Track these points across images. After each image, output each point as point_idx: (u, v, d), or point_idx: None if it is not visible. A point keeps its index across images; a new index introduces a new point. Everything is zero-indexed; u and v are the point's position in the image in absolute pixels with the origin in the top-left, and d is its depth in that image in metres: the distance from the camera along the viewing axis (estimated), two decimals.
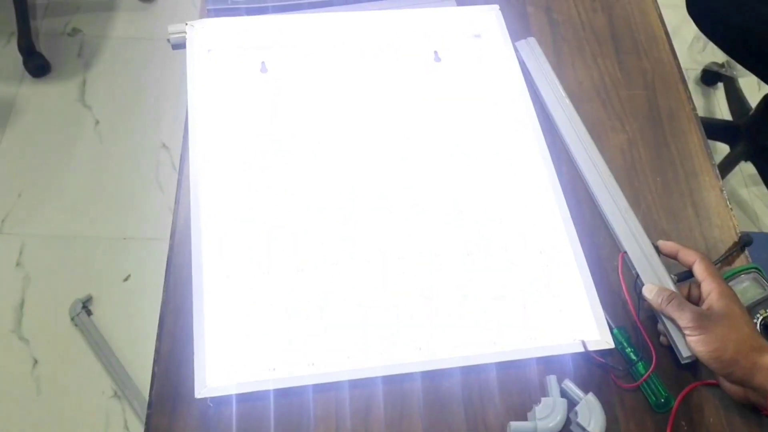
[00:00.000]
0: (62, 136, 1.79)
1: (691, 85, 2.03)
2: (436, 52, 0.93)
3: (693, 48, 2.10)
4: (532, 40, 0.94)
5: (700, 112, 2.02)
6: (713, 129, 1.90)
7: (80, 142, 1.78)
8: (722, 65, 2.02)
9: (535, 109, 0.86)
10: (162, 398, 0.66)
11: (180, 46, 0.88)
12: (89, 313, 1.53)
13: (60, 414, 1.42)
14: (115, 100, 1.86)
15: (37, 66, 1.86)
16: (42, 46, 1.90)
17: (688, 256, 0.71)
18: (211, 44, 0.89)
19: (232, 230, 0.76)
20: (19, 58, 1.85)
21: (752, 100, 1.91)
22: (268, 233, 0.77)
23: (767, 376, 0.62)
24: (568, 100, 0.88)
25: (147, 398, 0.67)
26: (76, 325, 1.51)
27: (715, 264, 0.78)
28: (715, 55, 2.06)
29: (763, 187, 1.79)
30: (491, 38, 0.94)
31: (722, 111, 2.02)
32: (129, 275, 1.60)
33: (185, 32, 0.88)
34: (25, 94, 1.85)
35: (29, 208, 1.67)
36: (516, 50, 0.92)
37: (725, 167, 1.80)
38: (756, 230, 1.81)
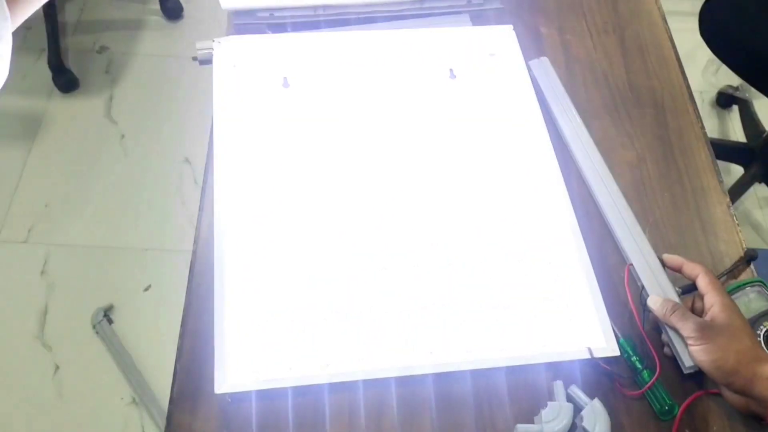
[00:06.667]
0: (89, 150, 1.84)
1: (706, 108, 2.05)
2: (451, 70, 0.96)
3: (707, 70, 2.12)
4: (544, 59, 0.97)
5: (715, 134, 2.04)
6: (728, 151, 1.91)
7: (106, 156, 1.83)
8: (737, 88, 2.04)
9: (547, 126, 0.89)
10: (183, 394, 0.69)
11: (207, 61, 0.93)
12: (110, 321, 1.57)
13: (80, 418, 1.45)
14: (140, 116, 1.91)
15: (66, 82, 1.93)
16: (71, 63, 1.97)
17: (693, 269, 0.73)
18: (236, 60, 0.93)
19: (253, 237, 0.80)
20: (49, 73, 1.92)
21: (767, 122, 1.93)
22: (288, 240, 0.80)
23: (767, 385, 0.64)
24: (579, 118, 0.91)
25: (163, 406, 0.69)
26: (97, 333, 1.55)
27: (721, 277, 0.80)
28: (729, 77, 2.08)
29: None
30: (505, 57, 0.97)
31: (737, 133, 2.04)
32: (149, 285, 1.64)
33: (212, 48, 0.92)
34: (53, 109, 1.91)
35: (55, 219, 1.72)
36: (529, 69, 0.95)
37: (739, 189, 1.81)
38: None
